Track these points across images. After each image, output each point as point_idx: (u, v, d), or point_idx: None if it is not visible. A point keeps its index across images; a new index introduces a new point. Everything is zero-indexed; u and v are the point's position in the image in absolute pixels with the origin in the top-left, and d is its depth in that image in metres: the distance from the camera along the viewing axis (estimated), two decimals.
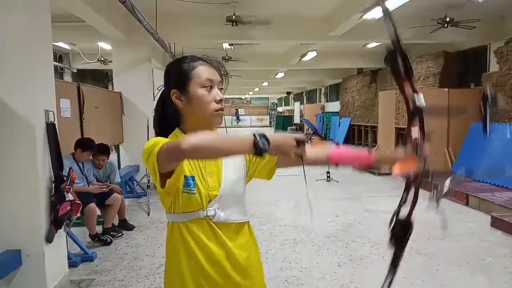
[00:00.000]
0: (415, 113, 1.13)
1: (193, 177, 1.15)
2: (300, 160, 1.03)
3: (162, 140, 1.06)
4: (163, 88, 1.24)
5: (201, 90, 1.16)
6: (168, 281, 1.24)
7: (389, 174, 8.21)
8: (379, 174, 8.26)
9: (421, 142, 1.15)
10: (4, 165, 2.65)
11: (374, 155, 1.21)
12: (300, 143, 1.00)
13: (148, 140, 1.11)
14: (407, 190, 1.17)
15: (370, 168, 1.33)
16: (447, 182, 1.21)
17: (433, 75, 9.01)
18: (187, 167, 1.15)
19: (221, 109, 1.18)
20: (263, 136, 0.94)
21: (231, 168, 1.21)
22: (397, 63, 1.10)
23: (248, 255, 1.22)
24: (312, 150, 1.24)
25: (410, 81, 1.12)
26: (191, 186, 1.14)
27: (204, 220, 1.16)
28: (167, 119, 1.24)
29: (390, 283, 1.18)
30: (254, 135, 0.93)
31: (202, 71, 1.17)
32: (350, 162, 1.19)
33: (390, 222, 1.14)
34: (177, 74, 1.18)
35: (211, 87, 1.17)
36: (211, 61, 1.23)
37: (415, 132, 1.14)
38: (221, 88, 1.21)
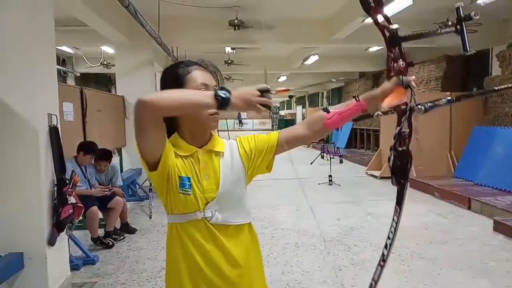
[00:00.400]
0: (393, 42, 1.17)
1: (188, 178, 1.15)
2: (267, 110, 1.07)
3: None
4: None
5: None
6: (168, 281, 1.25)
7: (390, 177, 8.19)
8: (381, 178, 8.25)
9: (404, 70, 1.17)
10: (7, 168, 2.67)
11: (363, 100, 1.18)
12: (263, 92, 1.04)
13: None
14: (399, 122, 1.19)
15: (365, 112, 1.34)
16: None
17: (435, 79, 9.01)
18: (182, 168, 1.16)
19: (216, 113, 1.17)
20: (224, 88, 1.02)
21: (229, 170, 1.21)
22: None
23: (246, 256, 1.22)
24: (307, 120, 1.26)
25: (382, 11, 1.16)
26: (187, 187, 1.15)
27: (202, 221, 1.16)
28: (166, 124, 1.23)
29: (396, 224, 1.25)
30: (216, 87, 1.00)
31: (197, 76, 1.18)
32: (346, 121, 1.18)
33: (389, 159, 1.19)
34: (172, 79, 1.18)
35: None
36: (207, 66, 1.23)
37: (397, 62, 1.17)
38: None
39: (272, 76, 15.92)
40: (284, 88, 1.33)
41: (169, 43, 7.20)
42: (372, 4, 1.17)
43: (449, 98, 1.25)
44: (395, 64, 1.18)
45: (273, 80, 16.89)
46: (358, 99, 1.17)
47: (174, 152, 1.17)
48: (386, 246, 1.31)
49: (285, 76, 15.28)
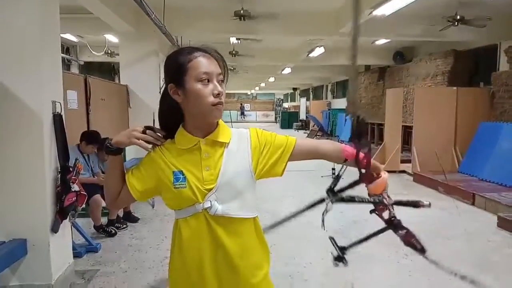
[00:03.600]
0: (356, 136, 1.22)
1: (181, 172, 1.14)
2: (153, 147, 1.19)
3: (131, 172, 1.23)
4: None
5: (198, 84, 1.10)
6: (170, 274, 1.25)
7: (394, 171, 8.18)
8: (386, 171, 8.21)
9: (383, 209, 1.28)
10: (11, 155, 2.66)
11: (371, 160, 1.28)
12: (148, 129, 1.17)
13: None
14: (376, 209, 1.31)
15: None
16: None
17: (442, 74, 8.93)
18: (177, 163, 1.15)
19: (220, 103, 1.12)
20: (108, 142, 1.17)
21: (232, 160, 1.17)
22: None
23: (245, 254, 1.18)
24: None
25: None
26: (181, 180, 1.13)
27: (202, 214, 1.14)
28: (168, 114, 1.21)
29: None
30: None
31: (199, 63, 1.11)
32: (360, 156, 1.26)
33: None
34: (174, 67, 1.13)
35: (208, 80, 1.11)
36: (211, 51, 1.16)
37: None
38: (222, 80, 1.15)
39: (277, 68, 15.82)
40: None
41: (174, 32, 7.14)
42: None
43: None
44: (381, 206, 1.30)
45: (277, 72, 16.81)
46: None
47: (171, 146, 1.18)
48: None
49: (289, 68, 15.19)
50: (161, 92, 1.25)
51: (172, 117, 1.20)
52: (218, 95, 1.12)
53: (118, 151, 1.17)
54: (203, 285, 1.16)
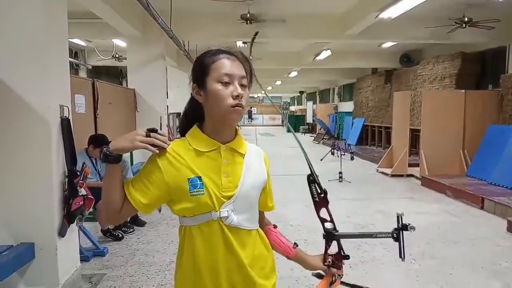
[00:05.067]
0: (328, 238, 1.26)
1: (199, 178, 1.10)
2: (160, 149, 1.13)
3: (146, 172, 1.16)
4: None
5: (217, 85, 1.10)
6: (177, 282, 1.23)
7: (401, 175, 8.12)
8: (392, 175, 8.17)
9: (339, 264, 1.27)
10: (19, 159, 2.69)
11: (295, 252, 1.31)
12: (151, 132, 1.11)
13: None
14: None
15: (287, 256, 1.47)
16: None
17: (449, 76, 8.86)
18: (192, 168, 1.11)
19: (238, 105, 1.10)
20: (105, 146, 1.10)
21: (250, 172, 1.17)
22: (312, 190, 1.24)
23: (254, 263, 1.18)
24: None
25: (326, 207, 1.25)
26: (199, 186, 1.09)
27: (217, 222, 1.11)
28: (192, 115, 1.21)
29: None
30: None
31: (222, 65, 1.11)
32: (274, 243, 1.31)
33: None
34: (198, 68, 1.15)
35: (229, 82, 1.11)
36: (237, 54, 1.16)
37: (333, 255, 1.27)
38: (243, 85, 1.13)
39: (283, 71, 15.83)
40: None
41: (181, 36, 7.18)
42: (317, 199, 1.25)
43: None
44: (329, 257, 1.27)
45: (283, 75, 16.80)
46: (294, 247, 1.32)
47: (196, 150, 1.14)
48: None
49: (296, 72, 15.18)
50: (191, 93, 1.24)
51: (195, 119, 1.20)
52: (237, 97, 1.11)
53: (119, 158, 1.09)
54: None
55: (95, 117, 4.87)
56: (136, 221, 4.69)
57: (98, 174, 4.25)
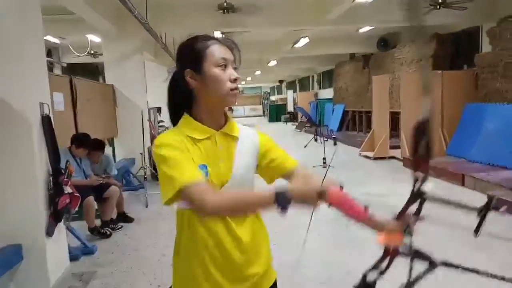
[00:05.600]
0: (417, 197, 1.15)
1: (205, 166, 1.12)
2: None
3: (175, 155, 1.06)
4: (175, 70, 1.21)
5: (216, 69, 1.13)
6: (177, 266, 1.24)
7: (384, 158, 8.27)
8: (375, 158, 8.31)
9: (413, 223, 1.17)
10: (1, 160, 2.62)
11: (367, 214, 1.16)
12: (321, 194, 1.02)
13: (153, 137, 1.10)
14: (382, 258, 1.18)
15: (359, 222, 1.36)
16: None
17: (425, 58, 9.01)
18: (200, 156, 1.12)
19: (236, 88, 1.15)
20: (283, 193, 0.98)
21: (243, 155, 1.20)
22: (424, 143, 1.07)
23: (253, 241, 1.21)
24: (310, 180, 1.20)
25: (427, 163, 1.12)
26: (205, 175, 1.11)
27: None
28: (178, 101, 1.21)
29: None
30: (276, 193, 0.98)
31: (217, 50, 1.14)
32: (344, 209, 1.13)
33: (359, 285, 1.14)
34: (191, 54, 1.15)
35: (225, 66, 1.14)
36: (224, 40, 1.20)
37: (410, 212, 1.17)
38: (235, 68, 1.18)
39: (263, 61, 15.81)
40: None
41: (158, 29, 7.07)
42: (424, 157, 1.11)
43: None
44: (407, 212, 1.17)
45: (263, 65, 16.78)
46: (366, 209, 1.13)
47: (193, 138, 1.14)
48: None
49: (275, 61, 15.18)
50: (170, 80, 1.23)
51: (184, 105, 1.20)
52: (235, 81, 1.15)
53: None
54: (218, 273, 1.16)
55: (75, 115, 4.78)
56: (124, 218, 4.65)
57: (83, 173, 4.19)
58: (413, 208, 1.17)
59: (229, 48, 1.18)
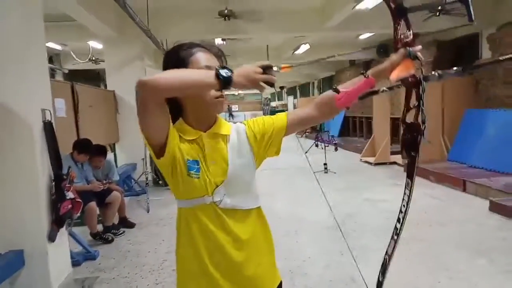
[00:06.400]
0: (399, 13, 1.17)
1: (197, 162, 1.13)
2: (271, 87, 1.07)
3: None
4: None
5: None
6: (178, 265, 1.24)
7: (385, 163, 8.27)
8: (376, 164, 8.31)
9: (411, 42, 1.17)
10: (4, 165, 2.63)
11: (372, 77, 1.14)
12: (265, 69, 1.03)
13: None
14: (408, 96, 1.22)
15: (372, 89, 1.32)
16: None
17: (425, 64, 9.04)
18: (189, 152, 1.14)
19: (222, 96, 1.15)
20: (226, 66, 1.00)
21: (236, 154, 1.19)
22: None
23: (252, 240, 1.20)
24: (318, 99, 1.23)
25: None
26: (195, 170, 1.13)
27: (210, 206, 1.14)
28: (170, 109, 1.18)
29: (408, 198, 1.32)
30: (217, 67, 0.99)
31: (200, 58, 1.14)
32: (355, 99, 1.13)
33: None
34: (175, 62, 1.14)
35: None
36: (210, 47, 1.19)
37: (404, 33, 1.17)
38: None
39: None
40: (288, 65, 1.29)
41: (159, 35, 7.12)
42: None
43: (457, 68, 1.26)
44: (401, 36, 1.18)
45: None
46: (366, 76, 1.13)
47: (180, 136, 1.15)
48: (399, 220, 1.32)
49: (276, 67, 15.22)
50: None
51: (173, 112, 1.19)
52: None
53: (228, 86, 1.01)
54: (216, 272, 1.16)
55: (76, 121, 4.80)
56: (125, 223, 4.65)
57: (85, 178, 4.20)
58: (405, 31, 1.19)
59: (215, 56, 1.18)
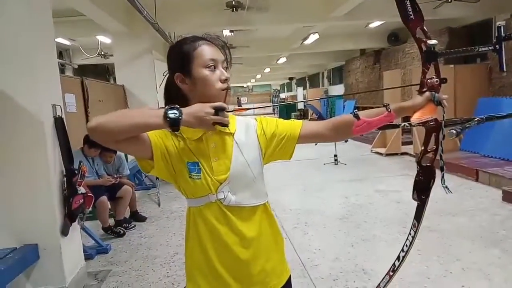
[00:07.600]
0: (429, 58, 1.15)
1: (197, 163, 1.13)
2: (223, 127, 1.08)
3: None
4: (168, 73, 1.20)
5: (205, 71, 1.12)
6: (187, 263, 1.25)
7: (396, 154, 8.20)
8: (387, 155, 8.24)
9: (437, 87, 1.17)
10: (16, 161, 2.67)
11: (393, 112, 1.15)
12: (218, 110, 1.02)
13: None
14: (428, 137, 1.21)
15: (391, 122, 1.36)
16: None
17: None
18: (189, 153, 1.14)
19: (228, 88, 1.15)
20: (175, 107, 0.98)
21: (241, 150, 1.17)
22: (405, 6, 1.13)
23: (259, 237, 1.19)
24: (337, 120, 1.23)
25: (421, 26, 1.15)
26: (196, 171, 1.13)
27: (216, 204, 1.14)
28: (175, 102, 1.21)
29: (413, 239, 1.35)
30: (165, 108, 0.98)
31: (204, 51, 1.13)
32: (372, 129, 1.16)
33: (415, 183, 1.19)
34: (179, 57, 1.14)
35: (214, 67, 1.13)
36: (213, 40, 1.17)
37: (430, 78, 1.16)
38: (226, 67, 1.17)
39: (272, 58, 15.76)
40: (242, 108, 1.33)
41: (167, 29, 7.11)
42: (412, 17, 1.16)
43: (479, 118, 1.24)
44: (428, 80, 1.17)
45: (272, 62, 16.73)
46: (389, 110, 1.13)
47: (180, 135, 1.14)
48: (398, 258, 1.33)
49: (284, 58, 15.13)
50: (165, 84, 1.22)
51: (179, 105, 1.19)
52: (225, 81, 1.14)
53: (177, 127, 1.00)
54: (223, 269, 1.17)
55: (87, 116, 4.83)
56: (136, 217, 4.70)
57: (96, 173, 4.24)
58: (432, 76, 1.18)
59: (219, 48, 1.17)
